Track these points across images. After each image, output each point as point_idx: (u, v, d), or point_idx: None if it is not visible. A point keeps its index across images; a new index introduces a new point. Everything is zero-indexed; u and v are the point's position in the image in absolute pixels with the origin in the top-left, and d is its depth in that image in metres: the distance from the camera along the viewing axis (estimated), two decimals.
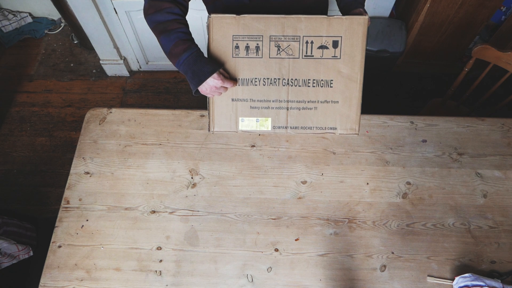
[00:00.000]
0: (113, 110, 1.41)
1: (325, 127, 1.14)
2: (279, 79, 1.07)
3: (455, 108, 1.85)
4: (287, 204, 1.22)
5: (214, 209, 1.21)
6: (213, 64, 1.04)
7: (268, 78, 1.07)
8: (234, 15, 1.02)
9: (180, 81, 2.52)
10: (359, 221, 1.19)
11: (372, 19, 2.15)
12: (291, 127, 1.14)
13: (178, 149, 1.33)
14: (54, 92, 2.49)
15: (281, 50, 1.04)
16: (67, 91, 2.49)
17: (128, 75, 2.54)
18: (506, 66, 1.53)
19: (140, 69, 2.55)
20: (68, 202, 1.23)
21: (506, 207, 1.22)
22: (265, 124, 1.12)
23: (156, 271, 1.12)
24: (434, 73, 2.48)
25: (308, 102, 1.10)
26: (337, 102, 1.11)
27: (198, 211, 1.21)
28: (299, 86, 1.08)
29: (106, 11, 2.08)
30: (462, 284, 1.04)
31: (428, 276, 1.11)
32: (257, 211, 1.21)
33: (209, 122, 1.14)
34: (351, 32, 1.02)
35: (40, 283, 1.11)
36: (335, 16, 1.01)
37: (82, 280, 1.11)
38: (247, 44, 1.04)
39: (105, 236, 1.17)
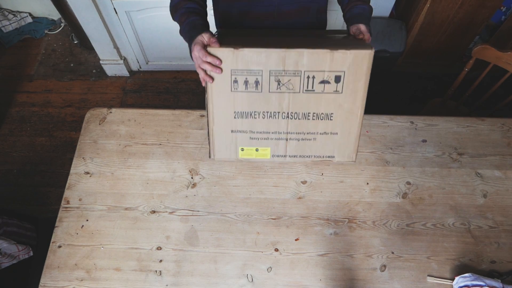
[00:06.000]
0: (113, 110, 1.41)
1: (323, 156, 1.16)
2: (278, 112, 1.05)
3: (455, 108, 1.85)
4: (287, 204, 1.22)
5: (214, 209, 1.21)
6: (202, 30, 0.99)
7: (267, 112, 1.04)
8: (232, 48, 0.95)
9: (180, 81, 2.52)
10: (359, 221, 1.19)
11: (372, 19, 2.14)
12: (289, 156, 1.15)
13: (178, 149, 1.33)
14: (54, 92, 2.49)
15: (281, 84, 1.00)
16: (67, 91, 2.50)
17: (128, 75, 2.54)
18: (506, 66, 1.54)
19: (140, 69, 2.55)
20: (68, 202, 1.23)
21: (506, 207, 1.22)
22: (264, 153, 1.14)
23: (156, 271, 1.12)
24: (434, 73, 2.48)
25: (307, 133, 1.09)
26: (336, 133, 1.10)
27: (198, 211, 1.21)
28: (299, 119, 1.06)
29: (106, 11, 2.08)
30: (462, 284, 1.04)
31: (428, 276, 1.11)
32: (257, 211, 1.21)
33: (209, 149, 1.15)
34: (355, 67, 0.97)
35: (40, 283, 1.11)
36: (339, 51, 0.95)
37: (82, 280, 1.11)
38: (246, 78, 0.99)
39: (105, 236, 1.17)
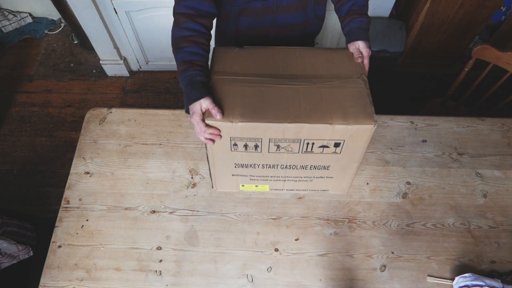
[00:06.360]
0: (113, 110, 1.41)
1: (318, 189, 1.22)
2: (277, 164, 1.07)
3: (455, 108, 1.85)
4: (287, 204, 1.22)
5: (214, 209, 1.21)
6: (201, 92, 0.93)
7: (266, 164, 1.08)
8: (230, 123, 0.92)
9: None
10: (359, 221, 1.19)
11: (372, 19, 2.14)
12: (287, 189, 1.22)
13: (178, 149, 1.33)
14: (54, 92, 2.49)
15: (280, 148, 1.00)
16: (67, 91, 2.49)
17: (128, 75, 2.54)
18: (506, 66, 1.54)
19: (140, 69, 2.55)
20: (68, 202, 1.23)
21: (506, 207, 1.22)
22: (263, 188, 1.21)
23: (156, 271, 1.12)
24: (434, 73, 2.48)
25: (304, 177, 1.13)
26: (332, 177, 1.14)
27: (198, 211, 1.21)
28: (297, 169, 1.09)
29: (106, 11, 2.08)
30: (462, 284, 1.04)
31: (428, 276, 1.11)
32: (257, 211, 1.21)
33: (212, 182, 1.21)
34: (355, 138, 0.97)
35: (40, 283, 1.11)
36: (340, 125, 0.92)
37: (82, 280, 1.11)
38: (246, 143, 0.99)
39: (105, 236, 1.17)
